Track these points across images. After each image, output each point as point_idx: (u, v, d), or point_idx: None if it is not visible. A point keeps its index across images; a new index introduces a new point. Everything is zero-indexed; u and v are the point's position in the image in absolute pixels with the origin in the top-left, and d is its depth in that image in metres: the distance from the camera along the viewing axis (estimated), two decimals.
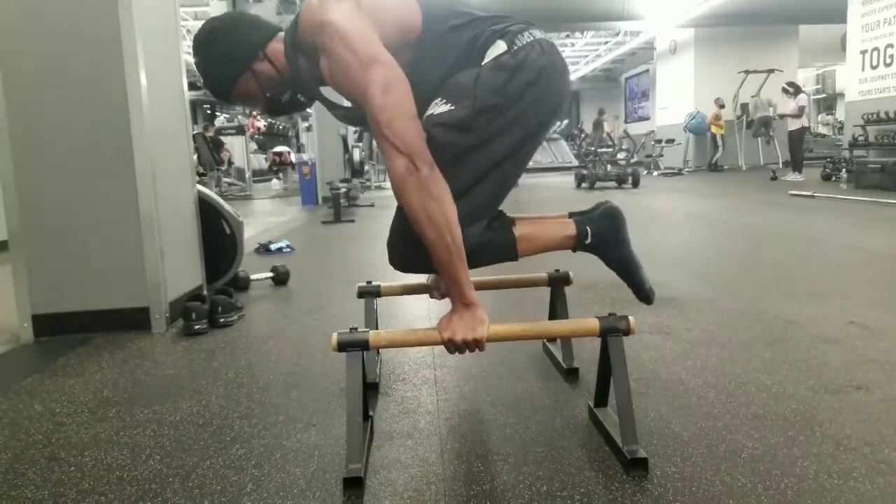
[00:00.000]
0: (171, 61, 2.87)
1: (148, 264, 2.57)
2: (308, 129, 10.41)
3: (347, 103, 1.54)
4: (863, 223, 5.19)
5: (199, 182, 3.23)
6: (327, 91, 1.57)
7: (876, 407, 1.59)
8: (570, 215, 1.68)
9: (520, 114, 1.44)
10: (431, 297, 1.95)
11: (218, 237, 3.20)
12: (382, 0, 1.47)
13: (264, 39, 1.54)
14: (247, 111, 28.02)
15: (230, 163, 13.26)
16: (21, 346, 2.52)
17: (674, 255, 4.02)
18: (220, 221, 3.22)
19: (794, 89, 10.38)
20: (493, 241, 1.53)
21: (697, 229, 5.02)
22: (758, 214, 6.13)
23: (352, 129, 9.43)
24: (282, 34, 1.56)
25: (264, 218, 7.78)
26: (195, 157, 7.35)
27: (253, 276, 3.51)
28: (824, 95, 25.01)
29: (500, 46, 1.45)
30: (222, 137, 13.18)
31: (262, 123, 18.51)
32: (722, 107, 13.80)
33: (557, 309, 1.95)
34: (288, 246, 4.81)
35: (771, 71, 13.43)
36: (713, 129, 14.04)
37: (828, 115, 20.57)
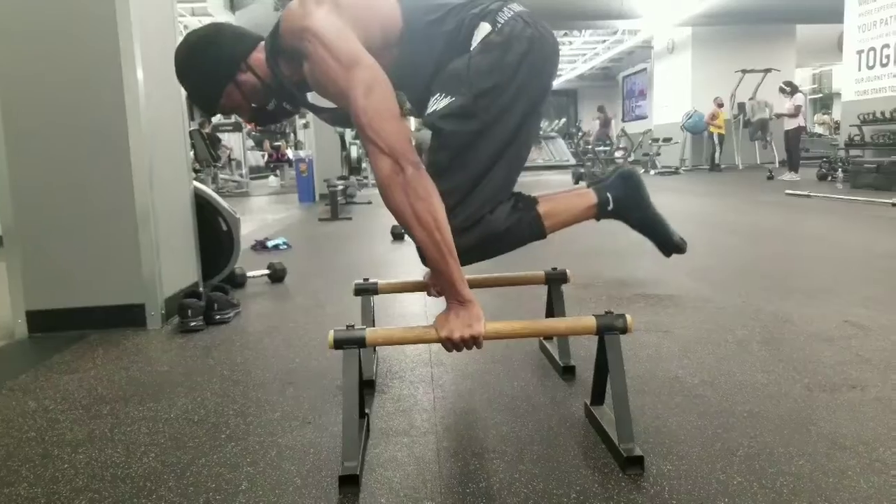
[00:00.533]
0: (167, 57, 2.84)
1: (144, 261, 2.57)
2: (305, 126, 10.41)
3: (332, 105, 1.54)
4: (859, 223, 5.20)
5: (195, 178, 3.22)
6: (312, 95, 1.58)
7: (871, 406, 1.59)
8: (589, 185, 1.68)
9: (519, 88, 1.44)
10: (429, 294, 1.95)
11: (215, 234, 3.19)
12: (361, 1, 1.47)
13: (246, 50, 1.54)
14: None
15: (230, 158, 13.25)
16: (15, 342, 2.51)
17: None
18: (217, 218, 3.21)
19: (790, 88, 10.39)
20: (522, 221, 1.52)
21: (694, 228, 5.02)
22: (754, 213, 6.14)
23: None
24: (263, 44, 1.56)
25: (261, 215, 7.77)
26: (192, 153, 7.33)
27: (250, 273, 3.50)
28: (821, 95, 25.06)
29: (484, 28, 1.45)
30: (219, 134, 13.15)
31: None
32: (721, 106, 13.80)
33: (554, 307, 1.95)
34: (285, 243, 4.81)
35: (768, 70, 13.45)
36: (711, 128, 14.04)
37: (824, 114, 20.60)
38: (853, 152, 9.46)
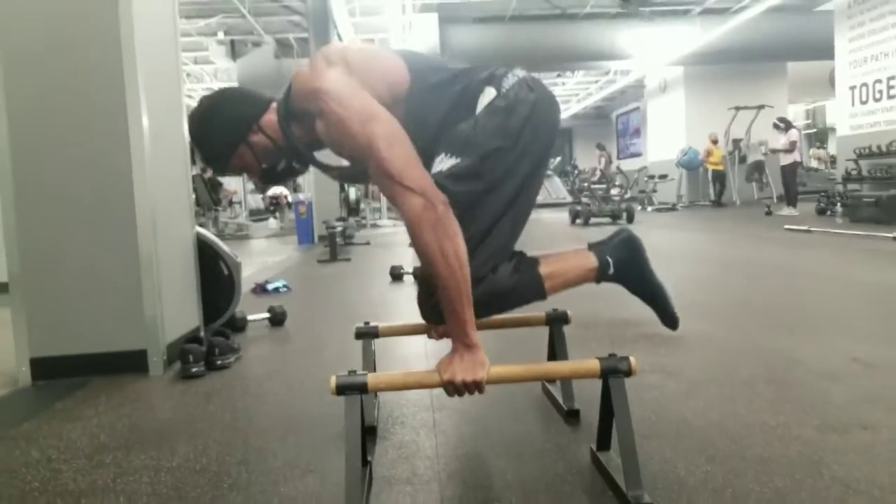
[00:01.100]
0: (172, 104, 2.90)
1: (146, 307, 2.56)
2: None
3: (343, 162, 1.58)
4: (860, 257, 5.21)
5: (196, 223, 3.23)
6: (321, 154, 1.64)
7: (884, 447, 1.57)
8: (590, 247, 1.71)
9: (523, 150, 1.49)
10: (429, 336, 1.95)
11: (216, 278, 3.19)
12: (370, 61, 1.53)
13: (258, 112, 1.59)
14: None
15: (231, 202, 13.33)
16: (19, 389, 2.49)
17: (671, 291, 4.01)
18: (218, 262, 3.21)
19: (784, 124, 10.52)
20: (522, 282, 1.56)
21: (693, 265, 5.03)
22: (754, 249, 6.15)
23: None
24: (275, 105, 1.61)
25: (261, 257, 7.77)
26: (194, 198, 7.37)
27: (250, 317, 3.49)
28: (815, 130, 25.33)
29: (489, 93, 1.51)
30: (220, 178, 13.25)
31: None
32: (715, 142, 13.94)
33: (557, 349, 1.94)
34: (285, 286, 4.80)
35: (761, 107, 13.62)
36: (707, 164, 14.15)
37: (819, 148, 20.82)
38: (851, 186, 9.52)
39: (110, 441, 1.88)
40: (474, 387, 1.35)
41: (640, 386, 2.10)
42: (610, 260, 1.65)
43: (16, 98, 2.49)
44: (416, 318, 1.81)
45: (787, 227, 7.78)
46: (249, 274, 5.16)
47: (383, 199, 12.98)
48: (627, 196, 11.88)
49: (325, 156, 1.62)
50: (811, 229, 7.26)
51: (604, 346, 2.63)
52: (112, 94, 2.50)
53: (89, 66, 2.51)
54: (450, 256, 1.33)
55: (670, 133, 16.45)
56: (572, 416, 1.87)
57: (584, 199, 11.24)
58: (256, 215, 16.05)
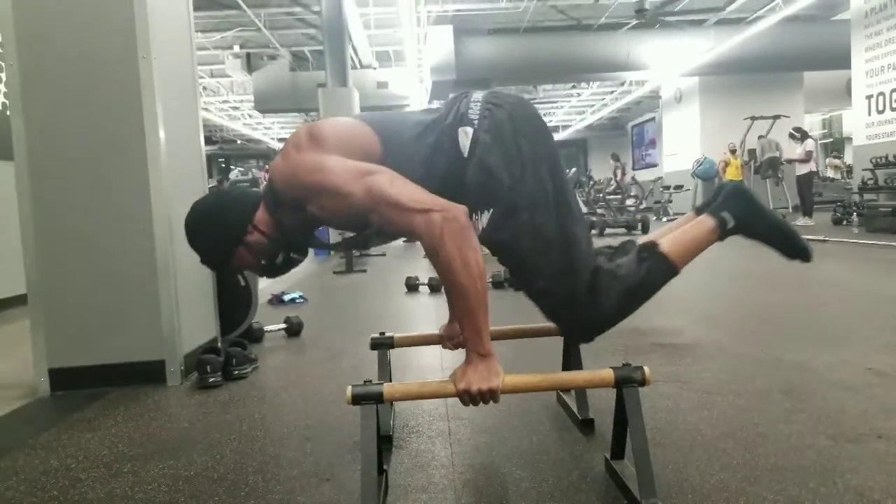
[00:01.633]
0: (188, 117, 2.95)
1: (164, 318, 2.60)
2: None
3: (346, 234, 1.57)
4: (876, 267, 5.17)
5: None
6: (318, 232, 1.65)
7: None
8: (698, 212, 1.70)
9: (532, 160, 1.48)
10: (444, 347, 1.96)
11: (233, 289, 3.23)
12: (339, 133, 1.51)
13: (251, 213, 1.57)
14: (260, 163, 28.44)
15: None
16: (38, 399, 2.53)
17: (686, 301, 4.01)
18: (236, 273, 3.25)
19: (800, 134, 10.46)
20: (653, 268, 1.55)
21: (709, 275, 5.00)
22: (770, 259, 6.08)
23: None
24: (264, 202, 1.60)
25: None
26: None
27: (266, 328, 3.52)
28: (831, 140, 25.14)
29: (467, 133, 1.50)
30: None
31: None
32: (733, 152, 13.83)
33: (571, 359, 1.95)
34: (301, 296, 4.84)
35: (777, 117, 13.55)
36: (726, 175, 14.06)
37: (835, 158, 20.63)
38: (867, 196, 9.43)
39: (129, 450, 1.91)
40: (489, 396, 1.36)
41: (655, 395, 2.11)
42: (725, 215, 1.62)
43: (33, 110, 2.55)
44: (430, 328, 1.83)
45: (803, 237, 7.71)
46: (266, 285, 5.21)
47: None
48: (643, 206, 11.85)
49: (322, 233, 1.61)
50: (827, 239, 7.20)
51: (618, 356, 2.63)
52: (129, 107, 2.55)
53: (106, 77, 2.56)
54: (471, 265, 1.33)
55: (686, 143, 16.41)
56: (587, 425, 1.88)
57: (600, 210, 11.23)
58: None
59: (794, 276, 4.88)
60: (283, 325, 3.55)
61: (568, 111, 24.59)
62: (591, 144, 29.69)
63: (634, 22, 13.39)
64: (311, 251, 1.82)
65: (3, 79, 2.54)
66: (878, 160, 9.28)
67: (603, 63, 13.58)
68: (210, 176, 20.91)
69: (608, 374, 1.40)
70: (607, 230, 10.15)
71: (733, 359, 2.54)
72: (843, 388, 2.11)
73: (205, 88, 18.11)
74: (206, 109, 20.51)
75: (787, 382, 2.20)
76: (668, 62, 13.41)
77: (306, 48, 15.31)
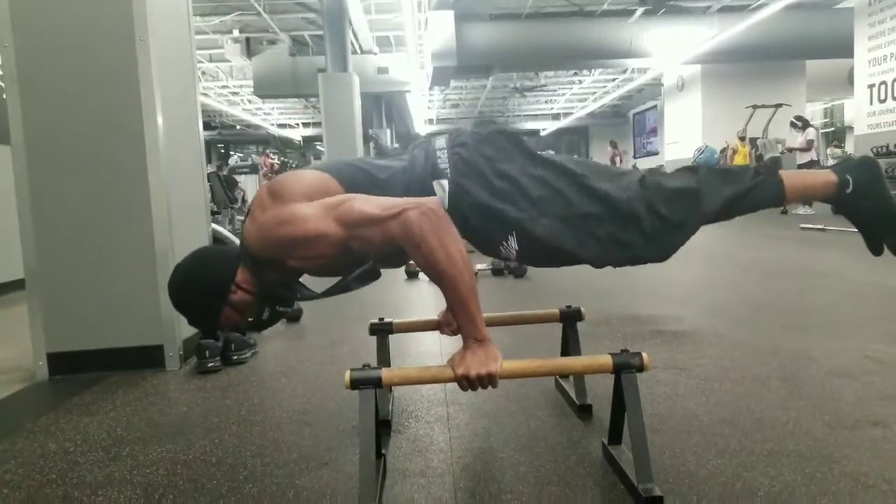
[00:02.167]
0: (186, 103, 2.93)
1: (163, 302, 2.59)
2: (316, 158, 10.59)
3: (333, 280, 1.54)
4: (875, 257, 5.16)
5: (213, 220, 3.27)
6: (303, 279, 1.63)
7: (894, 443, 1.57)
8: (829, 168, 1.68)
9: (519, 172, 1.51)
10: (442, 332, 1.97)
11: None
12: (302, 184, 1.49)
13: (232, 272, 1.54)
14: (259, 149, 28.35)
15: (244, 200, 13.45)
16: (36, 384, 2.54)
17: (685, 289, 4.01)
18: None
19: (802, 123, 10.42)
20: (764, 183, 1.55)
21: (708, 263, 5.00)
22: (769, 248, 6.11)
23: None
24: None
25: None
26: (209, 195, 7.44)
27: None
28: (833, 129, 25.07)
29: (443, 185, 1.51)
30: (236, 176, 13.36)
31: (275, 161, 18.76)
32: (742, 139, 13.71)
33: (570, 345, 1.95)
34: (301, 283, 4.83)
35: (779, 106, 13.48)
36: (733, 163, 13.99)
37: (836, 147, 20.58)
38: None
39: (127, 434, 1.92)
40: (488, 380, 1.36)
41: (653, 382, 2.11)
42: (850, 178, 1.59)
43: (30, 96, 2.54)
44: (429, 314, 1.83)
45: (802, 226, 7.72)
46: None
47: None
48: None
49: (307, 281, 1.60)
50: (826, 228, 7.20)
51: (617, 343, 2.64)
52: (127, 92, 2.54)
53: (104, 64, 2.54)
54: (454, 255, 1.33)
55: (687, 131, 16.36)
56: (584, 410, 1.88)
57: None
58: None
59: (792, 265, 4.88)
60: None
61: (569, 98, 24.51)
62: (593, 132, 29.59)
63: (639, 10, 13.30)
64: None
65: None
66: (879, 149, 9.26)
67: (605, 50, 13.50)
68: (209, 161, 20.85)
69: (606, 359, 1.41)
70: None
71: (732, 346, 2.55)
72: (840, 376, 2.11)
73: (203, 73, 18.02)
74: (205, 94, 20.42)
75: (784, 370, 2.21)
76: (670, 49, 13.33)
77: (306, 33, 15.22)
